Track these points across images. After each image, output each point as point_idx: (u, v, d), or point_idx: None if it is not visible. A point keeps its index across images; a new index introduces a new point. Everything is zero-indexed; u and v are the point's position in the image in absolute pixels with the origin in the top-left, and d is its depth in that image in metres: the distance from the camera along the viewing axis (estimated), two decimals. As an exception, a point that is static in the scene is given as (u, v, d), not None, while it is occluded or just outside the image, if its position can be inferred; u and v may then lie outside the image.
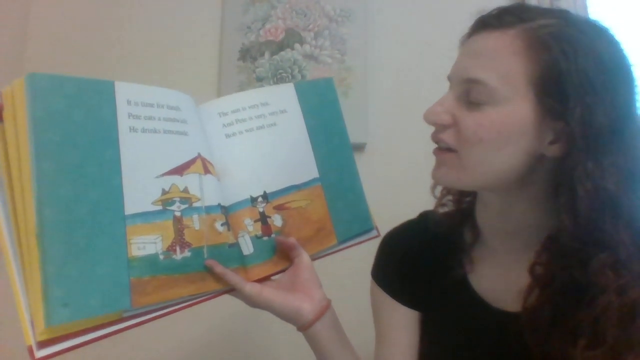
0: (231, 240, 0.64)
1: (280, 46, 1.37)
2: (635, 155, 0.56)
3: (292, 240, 0.68)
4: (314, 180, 0.74)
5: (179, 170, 0.61)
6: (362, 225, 0.78)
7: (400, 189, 1.31)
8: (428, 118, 0.62)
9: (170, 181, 0.59)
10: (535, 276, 0.59)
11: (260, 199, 0.69)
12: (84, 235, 0.52)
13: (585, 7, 1.35)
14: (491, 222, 0.69)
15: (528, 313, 0.59)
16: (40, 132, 0.50)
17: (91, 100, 0.55)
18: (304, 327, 0.67)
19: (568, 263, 0.57)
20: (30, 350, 0.48)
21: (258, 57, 1.36)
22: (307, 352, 0.71)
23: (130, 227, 0.55)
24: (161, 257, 0.57)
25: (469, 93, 0.59)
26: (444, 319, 0.72)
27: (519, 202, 0.63)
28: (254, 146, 0.70)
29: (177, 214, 0.59)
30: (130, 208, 0.55)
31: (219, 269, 0.61)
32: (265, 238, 0.68)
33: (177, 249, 0.58)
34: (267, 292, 0.65)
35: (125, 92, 0.58)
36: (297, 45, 1.37)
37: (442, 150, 0.62)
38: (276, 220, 0.69)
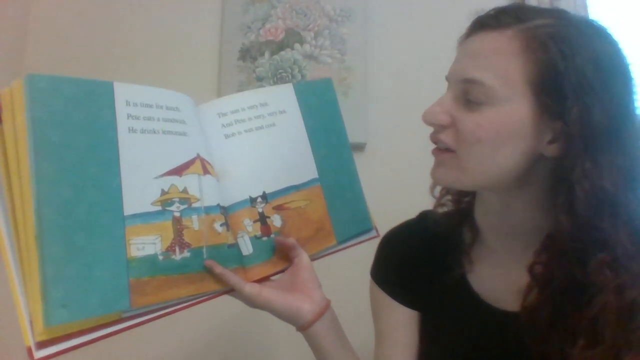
0: (230, 240, 0.64)
1: (280, 46, 1.37)
2: (633, 154, 0.56)
3: (291, 240, 0.68)
4: (313, 180, 0.74)
5: (178, 170, 0.61)
6: (361, 225, 0.78)
7: (400, 189, 1.31)
8: (426, 118, 0.62)
9: (169, 182, 0.59)
10: (534, 275, 0.60)
11: (259, 200, 0.69)
12: (83, 235, 0.52)
13: (585, 7, 1.35)
14: (490, 221, 0.69)
15: (527, 312, 0.59)
16: (39, 133, 0.50)
17: (90, 101, 0.55)
18: (303, 328, 0.67)
19: (567, 262, 0.57)
20: (29, 351, 0.48)
21: (258, 57, 1.37)
22: (307, 352, 0.71)
23: (130, 228, 0.55)
24: (160, 257, 0.57)
25: (467, 93, 0.59)
26: (443, 318, 0.72)
27: (518, 202, 0.63)
28: (253, 147, 0.70)
29: (177, 214, 0.59)
30: (129, 209, 0.55)
31: (218, 269, 0.61)
32: (265, 238, 0.68)
33: (177, 249, 0.58)
34: (266, 292, 0.65)
35: (124, 93, 0.58)
36: (297, 45, 1.37)
37: (441, 150, 0.62)
38: (275, 221, 0.69)
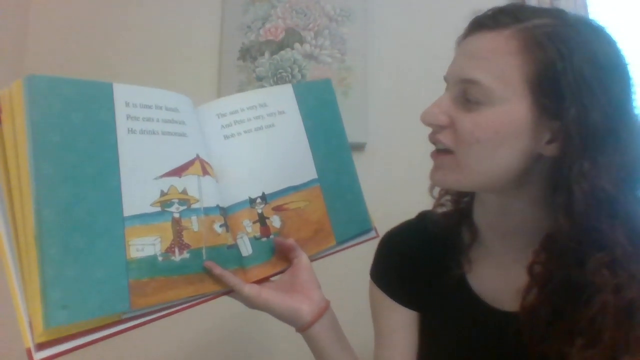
0: (230, 241, 0.64)
1: (280, 46, 1.37)
2: (631, 154, 0.56)
3: (290, 241, 0.68)
4: (312, 181, 0.74)
5: (178, 171, 0.61)
6: (360, 226, 0.78)
7: (399, 189, 1.31)
8: (425, 119, 0.62)
9: (168, 182, 0.59)
10: (533, 275, 0.60)
11: (258, 200, 0.69)
12: (82, 237, 0.52)
13: (585, 7, 1.35)
14: (489, 221, 0.69)
15: (526, 312, 0.59)
16: (38, 134, 0.50)
17: (90, 102, 0.55)
18: (302, 328, 0.67)
19: (566, 262, 0.57)
20: (29, 352, 0.48)
21: (258, 57, 1.37)
22: (307, 352, 0.71)
23: (129, 229, 0.55)
24: (160, 258, 0.57)
25: (465, 93, 0.59)
26: (443, 319, 0.72)
27: (517, 202, 0.63)
28: (252, 147, 0.70)
29: (176, 215, 0.59)
30: (128, 210, 0.55)
31: (217, 270, 0.61)
32: (264, 239, 0.68)
33: (176, 250, 0.58)
34: (266, 293, 0.65)
35: (123, 94, 0.58)
36: (297, 45, 1.37)
37: (440, 152, 0.63)
38: (275, 221, 0.69)
